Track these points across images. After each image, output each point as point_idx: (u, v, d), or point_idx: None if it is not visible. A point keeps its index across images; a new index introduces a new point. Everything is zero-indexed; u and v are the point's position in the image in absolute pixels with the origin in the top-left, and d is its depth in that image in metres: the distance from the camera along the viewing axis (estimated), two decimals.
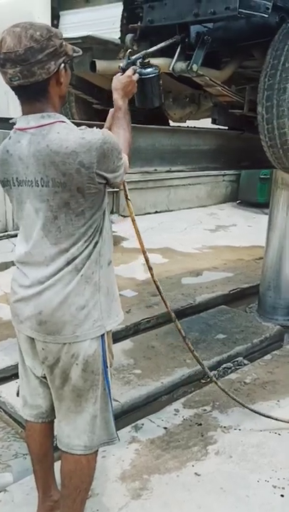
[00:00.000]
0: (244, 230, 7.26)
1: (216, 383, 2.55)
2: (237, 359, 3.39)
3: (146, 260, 2.09)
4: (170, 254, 5.89)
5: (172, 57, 2.47)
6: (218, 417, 2.67)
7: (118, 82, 1.82)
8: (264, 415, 2.55)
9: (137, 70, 1.88)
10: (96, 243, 1.61)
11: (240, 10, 2.11)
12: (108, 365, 1.71)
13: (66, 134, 1.50)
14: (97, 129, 1.55)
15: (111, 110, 1.86)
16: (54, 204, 1.53)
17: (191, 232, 7.06)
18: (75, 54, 1.60)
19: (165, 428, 2.56)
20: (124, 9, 2.56)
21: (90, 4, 2.80)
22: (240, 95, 2.80)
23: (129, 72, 1.84)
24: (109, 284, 1.69)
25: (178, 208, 8.40)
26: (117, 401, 2.76)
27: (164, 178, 8.02)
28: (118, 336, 3.66)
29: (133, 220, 2.03)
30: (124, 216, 7.63)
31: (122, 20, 2.58)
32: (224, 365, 3.30)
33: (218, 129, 3.18)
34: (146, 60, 1.94)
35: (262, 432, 2.54)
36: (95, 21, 2.75)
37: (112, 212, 7.37)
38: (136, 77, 1.86)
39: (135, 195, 7.83)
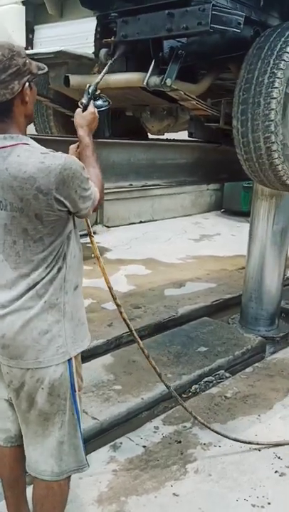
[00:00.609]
0: (228, 239, 7.28)
1: (182, 405, 2.49)
2: (218, 372, 3.36)
3: (110, 289, 2.03)
4: (153, 265, 5.86)
5: (146, 72, 2.47)
6: (198, 433, 2.64)
7: (83, 119, 1.79)
8: (229, 438, 2.50)
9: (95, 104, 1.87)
10: (59, 269, 1.56)
11: (212, 25, 2.10)
12: (76, 389, 1.66)
13: (26, 157, 1.45)
14: (61, 154, 1.50)
15: (71, 147, 1.82)
16: (12, 228, 1.49)
17: (176, 242, 7.05)
18: (40, 72, 1.56)
19: (144, 447, 2.52)
20: (97, 24, 2.55)
21: (64, 19, 2.79)
22: (215, 109, 2.80)
23: (91, 108, 1.83)
24: (75, 309, 1.65)
25: (162, 218, 8.40)
26: (96, 419, 2.72)
27: (148, 188, 8.02)
28: (99, 351, 3.63)
29: (98, 258, 1.98)
30: (108, 227, 7.62)
31: (95, 35, 2.58)
32: (205, 379, 3.27)
33: (195, 142, 3.17)
34: (98, 92, 1.93)
35: (242, 448, 2.51)
36: (69, 36, 2.74)
37: (95, 223, 7.34)
38: (95, 110, 1.83)
39: (119, 205, 7.82)
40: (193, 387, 3.20)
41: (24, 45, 3.04)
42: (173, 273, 5.56)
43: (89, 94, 1.89)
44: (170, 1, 2.25)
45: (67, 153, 1.72)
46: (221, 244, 6.94)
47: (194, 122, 3.01)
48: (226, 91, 3.19)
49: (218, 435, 2.50)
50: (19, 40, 3.03)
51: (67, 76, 2.63)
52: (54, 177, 1.43)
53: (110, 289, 2.03)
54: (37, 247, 1.51)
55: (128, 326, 2.09)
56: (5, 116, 1.49)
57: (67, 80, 2.62)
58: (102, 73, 2.17)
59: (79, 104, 1.86)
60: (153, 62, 2.41)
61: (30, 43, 3.03)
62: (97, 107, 1.87)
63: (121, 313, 2.06)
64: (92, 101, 1.85)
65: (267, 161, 2.49)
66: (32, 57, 2.98)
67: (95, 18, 2.57)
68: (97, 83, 1.98)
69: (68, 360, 1.62)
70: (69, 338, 1.61)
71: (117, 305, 2.06)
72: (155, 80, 2.39)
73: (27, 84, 1.50)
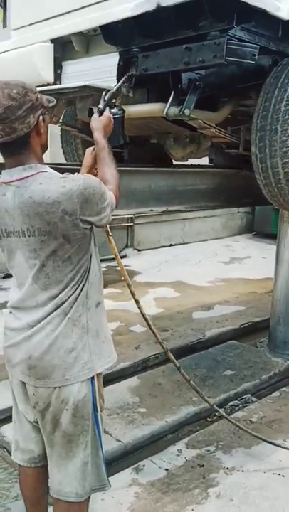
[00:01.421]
0: (258, 261, 7.23)
1: (227, 419, 2.48)
2: (244, 396, 3.34)
3: (132, 294, 2.09)
4: (182, 287, 5.89)
5: (167, 102, 2.57)
6: (222, 457, 2.63)
7: (98, 122, 1.91)
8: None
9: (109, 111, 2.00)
10: (83, 286, 1.65)
11: (227, 58, 2.19)
12: (98, 410, 1.71)
13: (48, 184, 1.56)
14: (78, 175, 1.61)
15: (88, 150, 1.94)
16: (42, 253, 1.59)
17: (206, 265, 7.06)
18: (50, 104, 1.68)
19: (167, 470, 2.53)
20: (120, 59, 2.69)
21: (90, 55, 2.95)
22: (235, 136, 2.86)
23: (107, 113, 1.96)
24: (98, 326, 1.71)
25: (193, 241, 8.41)
26: (119, 441, 2.75)
27: (179, 211, 8.08)
28: (126, 373, 3.66)
29: (116, 255, 2.07)
30: (139, 250, 7.70)
31: (118, 69, 2.71)
32: (231, 403, 3.26)
33: (216, 167, 3.24)
34: (113, 101, 2.10)
35: (265, 474, 2.48)
36: (94, 70, 2.89)
37: (126, 246, 7.44)
38: (111, 116, 1.96)
39: (150, 229, 7.91)
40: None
41: (52, 80, 3.22)
42: (202, 296, 5.57)
43: (105, 100, 2.05)
44: (187, 36, 2.36)
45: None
46: (251, 267, 6.90)
47: (215, 149, 3.09)
48: (248, 117, 3.26)
49: (240, 460, 2.49)
50: (48, 75, 3.21)
51: (91, 108, 2.75)
52: (77, 198, 1.53)
53: (143, 314, 2.09)
54: (66, 266, 1.61)
55: (162, 346, 2.14)
56: (23, 148, 1.60)
57: (91, 112, 2.74)
58: (119, 83, 2.38)
59: (94, 110, 2.02)
60: (172, 94, 2.52)
61: (58, 77, 3.21)
62: (114, 114, 1.99)
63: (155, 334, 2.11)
64: (108, 108, 2.00)
65: (285, 186, 2.52)
66: (60, 91, 3.16)
67: (117, 53, 2.71)
68: (112, 92, 2.13)
69: (92, 380, 1.67)
70: (94, 354, 1.68)
71: (152, 330, 2.18)
72: (174, 110, 2.49)
73: (41, 117, 1.62)
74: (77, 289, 1.64)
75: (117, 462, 2.61)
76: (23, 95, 1.55)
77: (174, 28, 2.39)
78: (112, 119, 1.94)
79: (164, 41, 2.47)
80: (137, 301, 2.10)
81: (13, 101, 1.52)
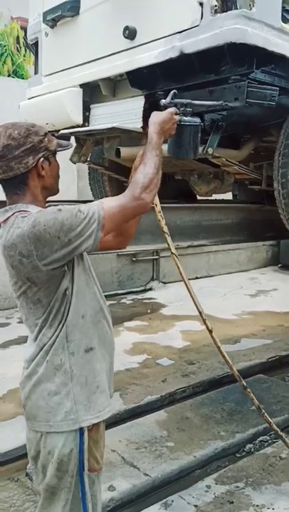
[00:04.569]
0: (285, 294, 7.17)
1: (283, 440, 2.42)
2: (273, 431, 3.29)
3: (200, 313, 2.03)
4: (209, 321, 5.87)
5: None
6: (251, 494, 2.59)
7: (157, 116, 1.69)
8: None
9: (179, 116, 1.75)
10: (61, 329, 1.56)
11: (247, 100, 2.29)
12: (85, 469, 1.61)
13: (12, 226, 1.52)
14: (33, 214, 1.50)
15: (139, 153, 1.72)
16: (17, 294, 1.60)
17: (231, 298, 7.04)
18: (59, 149, 1.67)
19: (196, 506, 2.51)
20: (145, 102, 2.82)
21: (116, 98, 3.10)
22: (257, 172, 2.94)
23: (171, 109, 1.73)
24: (89, 374, 1.61)
25: (218, 273, 8.42)
26: (148, 475, 2.75)
27: (204, 244, 8.14)
28: (153, 407, 3.67)
29: (177, 265, 1.96)
30: (165, 283, 7.75)
31: (143, 111, 2.84)
32: (260, 438, 3.22)
33: (240, 203, 3.31)
34: (189, 110, 1.81)
35: None
36: (121, 113, 3.03)
37: (152, 279, 7.50)
38: (177, 118, 1.74)
39: None
40: (247, 447, 3.15)
41: (81, 122, 3.39)
42: (228, 329, 5.55)
43: (172, 99, 1.78)
44: (210, 80, 2.48)
45: None
46: (277, 300, 6.85)
47: (238, 185, 3.17)
48: (270, 152, 3.34)
49: (270, 497, 2.45)
50: (77, 117, 3.38)
51: (118, 148, 2.89)
52: (28, 238, 1.45)
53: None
54: (37, 309, 1.57)
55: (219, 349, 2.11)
56: (18, 189, 1.59)
57: (118, 152, 2.88)
58: (205, 102, 2.19)
59: (160, 103, 1.79)
60: None
61: (86, 119, 3.37)
62: (185, 121, 1.78)
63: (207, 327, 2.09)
64: (174, 107, 1.74)
65: None
66: (89, 132, 3.32)
67: (143, 96, 2.85)
68: (192, 103, 1.85)
69: (80, 433, 1.58)
70: (80, 404, 1.58)
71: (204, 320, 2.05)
72: None
73: (42, 159, 1.59)
74: (54, 331, 1.56)
75: (145, 497, 2.60)
76: (24, 137, 1.56)
77: (197, 72, 2.51)
78: (175, 119, 1.71)
79: (188, 85, 2.59)
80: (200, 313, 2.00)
81: (12, 141, 1.54)
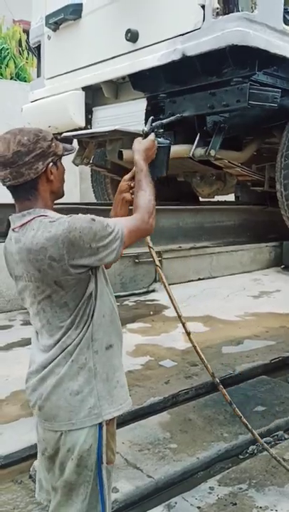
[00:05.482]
0: (288, 295, 7.17)
1: (268, 451, 2.45)
2: (277, 433, 3.29)
3: (183, 324, 2.08)
4: (211, 322, 5.88)
5: (192, 144, 2.68)
6: (254, 496, 2.59)
7: (141, 144, 1.85)
8: None
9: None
10: (87, 329, 1.61)
11: (249, 102, 2.29)
12: (104, 462, 1.66)
13: (37, 229, 1.55)
14: (65, 219, 1.55)
15: (124, 177, 1.87)
16: (39, 298, 1.60)
17: (234, 299, 7.03)
18: (65, 153, 1.71)
19: (199, 507, 2.51)
20: (147, 104, 2.83)
21: (119, 101, 3.11)
22: (260, 174, 2.95)
23: (151, 136, 1.91)
24: (109, 370, 1.66)
25: (221, 275, 8.42)
26: (151, 477, 2.75)
27: (206, 246, 8.15)
28: (156, 408, 3.67)
29: (166, 288, 2.04)
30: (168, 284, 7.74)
31: (145, 114, 2.85)
32: (263, 440, 3.21)
33: (242, 204, 3.31)
34: (161, 131, 1.99)
35: None
36: (123, 115, 3.04)
37: (154, 281, 7.51)
38: (156, 143, 1.90)
39: (178, 263, 7.96)
40: (250, 448, 3.15)
41: (84, 125, 3.40)
42: (231, 330, 5.55)
43: (151, 125, 1.97)
44: (212, 82, 2.49)
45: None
46: (280, 301, 6.84)
47: (241, 186, 3.17)
48: (273, 153, 3.34)
49: (273, 499, 2.45)
50: (79, 120, 3.40)
51: (121, 151, 2.90)
52: (62, 243, 1.50)
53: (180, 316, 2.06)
54: (63, 312, 1.59)
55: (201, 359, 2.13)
56: (30, 194, 1.62)
57: (120, 155, 2.89)
58: (173, 117, 2.32)
59: (141, 131, 1.97)
60: (198, 136, 2.63)
61: (89, 122, 3.38)
62: (160, 143, 1.93)
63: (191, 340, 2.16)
64: (153, 133, 1.92)
65: None
66: (91, 134, 3.33)
67: (145, 99, 2.86)
68: (163, 123, 2.02)
69: (100, 427, 1.62)
70: (103, 399, 1.63)
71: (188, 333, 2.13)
72: (200, 151, 2.60)
73: (51, 164, 1.63)
74: (80, 332, 1.61)
75: (148, 499, 2.60)
76: (34, 142, 1.58)
77: (199, 74, 2.52)
78: (155, 145, 1.87)
79: (190, 87, 2.60)
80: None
81: (22, 147, 1.56)
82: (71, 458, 1.61)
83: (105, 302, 1.67)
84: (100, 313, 1.64)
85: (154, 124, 1.97)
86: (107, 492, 1.70)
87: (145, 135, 1.91)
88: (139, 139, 1.89)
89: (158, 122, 2.01)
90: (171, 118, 2.29)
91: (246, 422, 2.34)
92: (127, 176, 1.87)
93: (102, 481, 1.67)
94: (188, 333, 2.06)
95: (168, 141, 1.99)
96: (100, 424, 1.63)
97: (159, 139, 1.95)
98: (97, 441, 1.63)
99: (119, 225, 1.61)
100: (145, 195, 1.72)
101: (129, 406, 1.74)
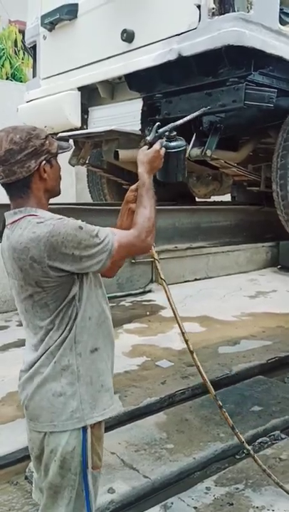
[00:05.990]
0: (284, 295, 7.17)
1: (254, 458, 2.48)
2: (273, 433, 3.29)
3: (183, 333, 2.06)
4: (208, 322, 5.88)
5: (188, 144, 2.68)
6: (251, 496, 2.59)
7: (145, 155, 1.75)
8: None
9: (163, 144, 1.79)
10: (69, 331, 1.59)
11: (245, 102, 2.29)
12: (88, 466, 1.63)
13: (24, 228, 1.54)
14: (52, 221, 1.53)
15: (131, 187, 1.80)
16: (22, 297, 1.61)
17: (230, 299, 7.03)
18: (60, 151, 1.68)
19: (195, 508, 2.51)
20: (143, 104, 2.83)
21: (115, 101, 3.11)
22: (256, 174, 2.95)
23: (156, 146, 1.77)
24: (94, 373, 1.64)
25: (217, 275, 8.42)
26: (147, 478, 2.75)
27: (203, 246, 8.15)
28: (152, 409, 3.66)
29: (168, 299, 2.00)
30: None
31: (142, 114, 2.85)
32: (260, 440, 3.21)
33: (238, 204, 3.32)
34: (173, 134, 1.85)
35: None
36: (119, 115, 3.04)
37: (151, 281, 7.50)
38: (163, 151, 1.78)
39: (174, 263, 7.96)
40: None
41: (80, 125, 3.39)
42: (227, 330, 5.55)
43: (157, 132, 1.81)
44: (208, 82, 2.49)
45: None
46: (277, 301, 6.84)
47: (237, 186, 3.18)
48: (269, 153, 3.35)
49: (270, 499, 2.45)
50: (75, 120, 3.39)
51: (117, 151, 2.89)
52: (44, 245, 1.49)
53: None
54: (43, 312, 1.58)
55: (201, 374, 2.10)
56: (22, 192, 1.61)
57: (116, 155, 2.89)
58: (189, 117, 2.17)
59: (142, 141, 1.91)
60: (194, 136, 2.63)
61: (85, 122, 3.38)
62: (171, 148, 1.80)
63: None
64: (160, 140, 1.78)
65: None
66: (87, 135, 3.33)
67: (141, 99, 2.86)
68: (175, 126, 1.88)
69: (84, 430, 1.60)
70: (86, 403, 1.60)
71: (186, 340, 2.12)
72: (196, 151, 2.60)
73: (44, 162, 1.61)
74: (61, 334, 1.59)
75: (145, 499, 2.60)
76: (26, 141, 1.57)
77: (195, 75, 2.52)
78: (161, 154, 1.76)
79: (186, 87, 2.60)
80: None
81: (14, 145, 1.56)
82: (54, 459, 1.59)
83: (93, 305, 1.65)
84: (84, 315, 1.62)
85: (160, 131, 1.83)
86: (93, 499, 1.67)
87: (149, 145, 1.79)
88: (144, 148, 1.79)
89: (169, 126, 1.86)
90: (188, 117, 2.17)
91: (233, 424, 2.34)
92: (133, 187, 1.80)
93: (88, 487, 1.64)
94: (186, 341, 2.04)
95: (182, 145, 1.86)
96: (84, 428, 1.61)
97: (171, 144, 1.83)
98: (81, 444, 1.60)
99: (110, 237, 1.58)
100: (144, 213, 1.67)
101: (114, 412, 1.77)
